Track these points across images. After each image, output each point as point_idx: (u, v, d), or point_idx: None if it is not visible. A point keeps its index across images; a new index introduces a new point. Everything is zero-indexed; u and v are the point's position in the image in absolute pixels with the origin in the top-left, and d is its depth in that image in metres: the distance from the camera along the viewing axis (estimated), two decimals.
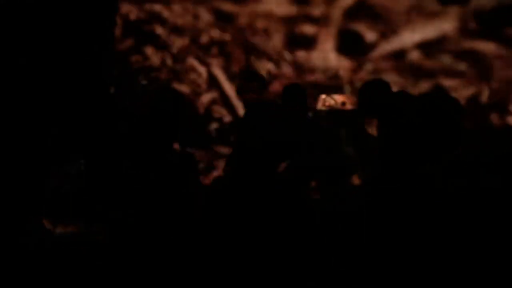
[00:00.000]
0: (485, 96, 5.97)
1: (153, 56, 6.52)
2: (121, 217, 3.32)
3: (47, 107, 3.93)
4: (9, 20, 3.85)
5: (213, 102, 6.36)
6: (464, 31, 6.03)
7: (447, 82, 6.02)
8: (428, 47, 6.11)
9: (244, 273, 3.24)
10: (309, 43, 6.31)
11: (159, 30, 6.53)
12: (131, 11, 6.48)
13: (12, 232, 3.30)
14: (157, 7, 6.55)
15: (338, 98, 4.81)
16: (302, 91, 4.98)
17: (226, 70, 6.40)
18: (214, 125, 6.31)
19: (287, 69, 6.33)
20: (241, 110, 6.21)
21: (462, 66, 6.06)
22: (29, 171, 3.65)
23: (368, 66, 6.20)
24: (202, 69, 6.44)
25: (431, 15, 6.08)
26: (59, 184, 3.50)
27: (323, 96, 4.90)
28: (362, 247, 3.01)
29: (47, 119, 3.92)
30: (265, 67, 6.36)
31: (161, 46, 6.52)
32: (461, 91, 5.93)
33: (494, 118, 5.82)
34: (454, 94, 5.67)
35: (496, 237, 3.03)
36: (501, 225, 3.12)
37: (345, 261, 3.03)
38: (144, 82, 6.42)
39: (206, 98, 6.41)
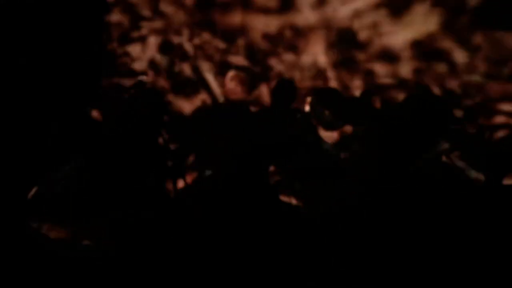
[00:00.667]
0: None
1: (141, 58, 6.50)
2: (121, 217, 3.32)
3: (46, 107, 3.92)
4: (9, 20, 3.84)
5: (202, 104, 6.35)
6: (449, 31, 6.09)
7: (436, 83, 6.07)
8: (417, 47, 6.15)
9: (244, 273, 3.24)
10: (298, 45, 6.33)
11: (147, 32, 6.52)
12: (120, 14, 6.47)
13: (11, 233, 3.29)
14: (146, 11, 6.55)
15: None
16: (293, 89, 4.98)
17: (216, 72, 6.40)
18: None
19: (275, 72, 6.35)
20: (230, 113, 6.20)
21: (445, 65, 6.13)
22: (27, 172, 3.64)
23: (358, 68, 6.23)
24: (190, 71, 6.44)
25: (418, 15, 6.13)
26: (48, 187, 3.49)
27: (310, 97, 4.92)
28: (361, 247, 3.03)
29: (45, 119, 3.91)
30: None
31: (150, 48, 6.51)
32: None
33: (484, 117, 5.88)
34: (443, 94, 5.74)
35: (489, 233, 3.07)
36: (493, 221, 3.17)
37: (345, 261, 3.05)
38: (131, 84, 6.40)
39: (195, 100, 6.40)
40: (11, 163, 3.71)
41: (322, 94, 4.07)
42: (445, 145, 3.52)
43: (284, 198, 3.62)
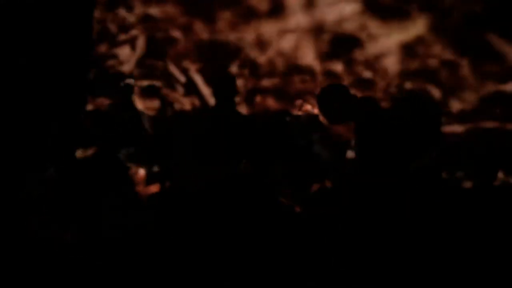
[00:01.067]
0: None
1: (129, 60, 6.50)
2: (121, 218, 3.33)
3: (46, 107, 3.91)
4: (9, 20, 3.82)
5: (192, 107, 6.36)
6: (438, 34, 6.13)
7: (424, 86, 6.11)
8: (405, 50, 6.19)
9: (244, 273, 3.25)
10: (289, 49, 6.36)
11: (136, 33, 6.52)
12: (108, 17, 6.46)
13: (9, 232, 3.28)
14: (132, 14, 6.54)
15: (315, 103, 4.85)
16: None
17: (205, 75, 6.41)
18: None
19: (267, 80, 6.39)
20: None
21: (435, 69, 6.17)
22: (26, 171, 3.63)
23: (347, 71, 6.27)
24: (180, 74, 6.44)
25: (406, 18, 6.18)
26: (31, 189, 3.48)
27: (300, 101, 4.94)
28: (361, 247, 3.05)
29: (45, 119, 3.89)
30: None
31: (138, 50, 6.51)
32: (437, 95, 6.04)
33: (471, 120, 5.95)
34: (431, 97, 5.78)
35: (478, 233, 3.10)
36: (486, 221, 3.21)
37: (345, 261, 3.06)
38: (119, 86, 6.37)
39: (184, 103, 6.40)
40: (11, 162, 3.70)
41: (330, 91, 4.07)
42: (438, 148, 3.56)
43: (282, 200, 3.64)
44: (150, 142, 4.78)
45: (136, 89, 5.62)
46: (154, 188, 4.08)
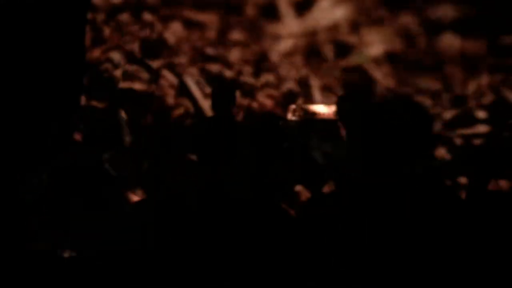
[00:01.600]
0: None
1: (124, 64, 6.51)
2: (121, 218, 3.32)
3: (46, 107, 3.91)
4: (9, 20, 3.82)
5: (184, 111, 6.37)
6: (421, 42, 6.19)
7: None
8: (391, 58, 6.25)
9: (243, 274, 3.25)
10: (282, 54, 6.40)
11: (129, 38, 6.53)
12: (102, 21, 6.47)
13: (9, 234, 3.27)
14: (126, 16, 6.55)
15: (309, 107, 4.88)
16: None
17: (198, 79, 6.43)
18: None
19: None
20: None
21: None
22: (26, 172, 3.63)
23: (336, 75, 6.31)
24: (173, 78, 6.46)
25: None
26: (31, 189, 3.47)
27: (293, 105, 4.96)
28: (361, 247, 3.06)
29: (46, 119, 3.90)
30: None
31: (132, 53, 6.52)
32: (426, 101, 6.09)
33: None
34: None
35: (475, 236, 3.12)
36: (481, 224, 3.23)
37: (345, 261, 3.07)
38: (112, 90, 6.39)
39: (177, 107, 6.42)
40: (11, 162, 3.69)
41: (350, 98, 4.07)
42: (434, 151, 3.58)
43: (281, 200, 3.64)
44: (129, 149, 4.79)
45: (126, 94, 5.64)
46: (135, 197, 4.08)
